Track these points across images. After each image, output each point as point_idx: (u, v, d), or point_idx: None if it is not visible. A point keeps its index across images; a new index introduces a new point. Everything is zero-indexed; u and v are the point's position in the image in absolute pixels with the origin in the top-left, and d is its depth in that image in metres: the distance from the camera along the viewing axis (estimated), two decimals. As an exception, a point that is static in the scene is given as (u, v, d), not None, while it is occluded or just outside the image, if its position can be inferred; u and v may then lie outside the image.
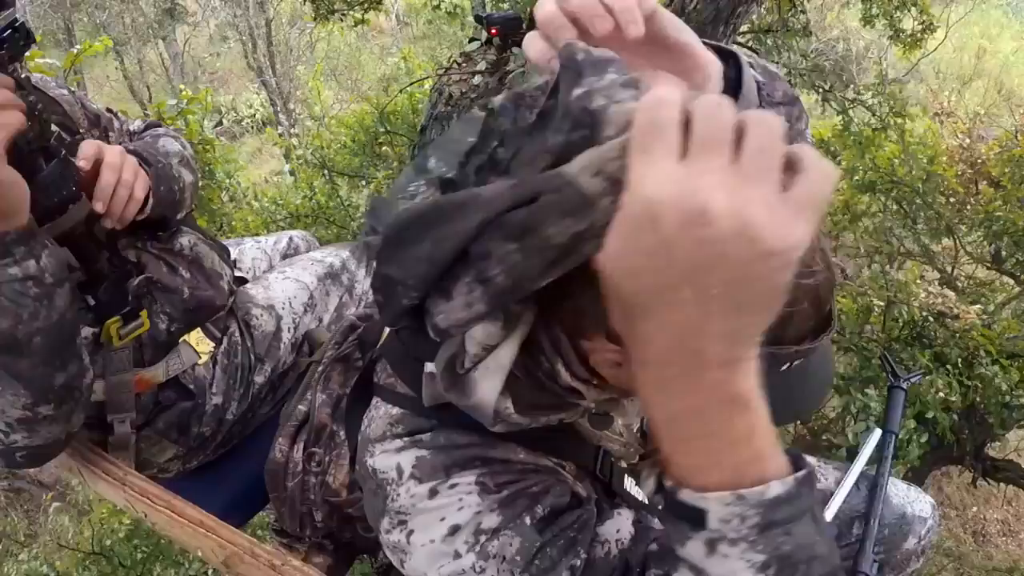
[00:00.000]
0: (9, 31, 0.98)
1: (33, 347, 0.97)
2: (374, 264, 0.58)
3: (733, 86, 0.66)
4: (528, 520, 0.68)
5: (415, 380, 0.76)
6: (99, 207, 1.09)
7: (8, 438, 1.06)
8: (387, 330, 0.89)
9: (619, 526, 0.72)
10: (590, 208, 0.46)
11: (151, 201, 1.18)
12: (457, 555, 0.68)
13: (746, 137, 0.41)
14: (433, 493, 0.69)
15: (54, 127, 1.09)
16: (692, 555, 0.51)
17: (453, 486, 0.69)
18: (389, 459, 0.72)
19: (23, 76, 1.09)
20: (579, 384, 0.67)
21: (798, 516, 0.49)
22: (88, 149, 1.09)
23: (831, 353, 0.75)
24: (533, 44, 0.59)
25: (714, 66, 0.64)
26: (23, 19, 1.01)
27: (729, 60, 0.66)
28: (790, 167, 0.41)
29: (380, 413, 0.78)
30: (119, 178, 1.10)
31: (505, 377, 0.63)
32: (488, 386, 0.63)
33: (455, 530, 0.68)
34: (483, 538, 0.67)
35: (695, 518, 0.49)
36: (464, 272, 0.52)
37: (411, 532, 0.70)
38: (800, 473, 0.49)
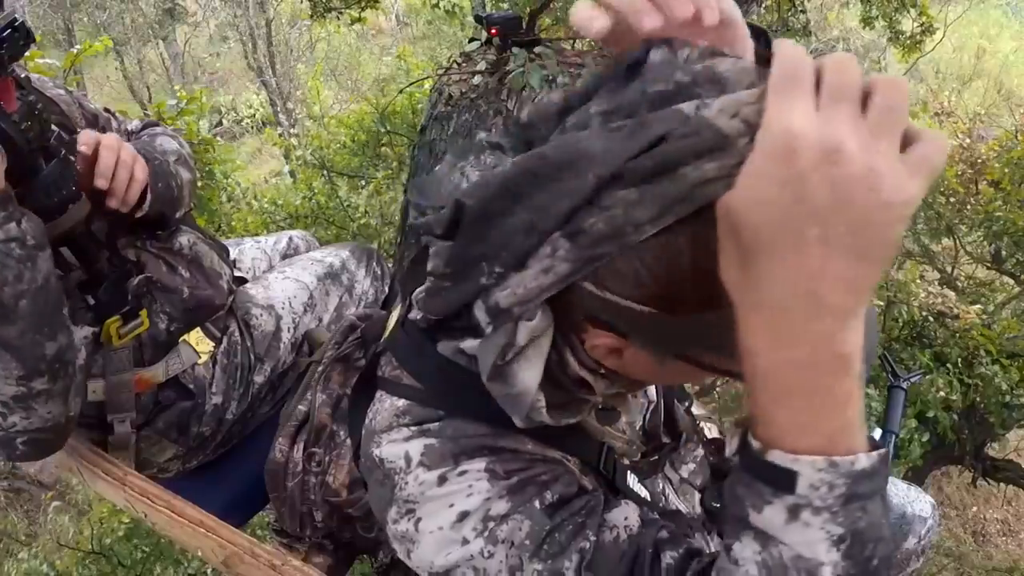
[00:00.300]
0: (8, 31, 0.98)
1: (20, 311, 0.97)
2: (447, 245, 0.58)
3: (764, 64, 0.67)
4: (537, 505, 0.67)
5: (421, 372, 0.76)
6: (101, 183, 1.09)
7: (6, 421, 1.05)
8: (391, 324, 0.89)
9: (627, 514, 0.72)
10: (729, 149, 0.47)
11: (149, 197, 1.18)
12: (465, 541, 0.67)
13: (874, 95, 0.42)
14: (442, 480, 0.68)
15: (54, 127, 1.09)
16: (769, 521, 0.49)
17: (462, 473, 0.68)
18: (397, 448, 0.71)
19: (23, 76, 1.09)
20: (587, 374, 0.67)
21: (876, 493, 0.48)
22: (86, 136, 1.10)
23: (875, 315, 0.74)
24: (585, 12, 0.57)
25: (749, 41, 0.64)
26: (22, 19, 1.01)
27: (760, 38, 0.66)
28: (909, 136, 0.43)
29: (386, 405, 0.77)
30: (118, 158, 1.10)
31: (543, 365, 0.63)
32: (531, 375, 0.63)
33: (464, 516, 0.67)
34: (492, 524, 0.67)
35: (784, 481, 0.48)
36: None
37: (419, 520, 0.70)
38: (882, 450, 0.49)
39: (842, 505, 0.47)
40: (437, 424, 0.71)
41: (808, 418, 0.46)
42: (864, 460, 0.47)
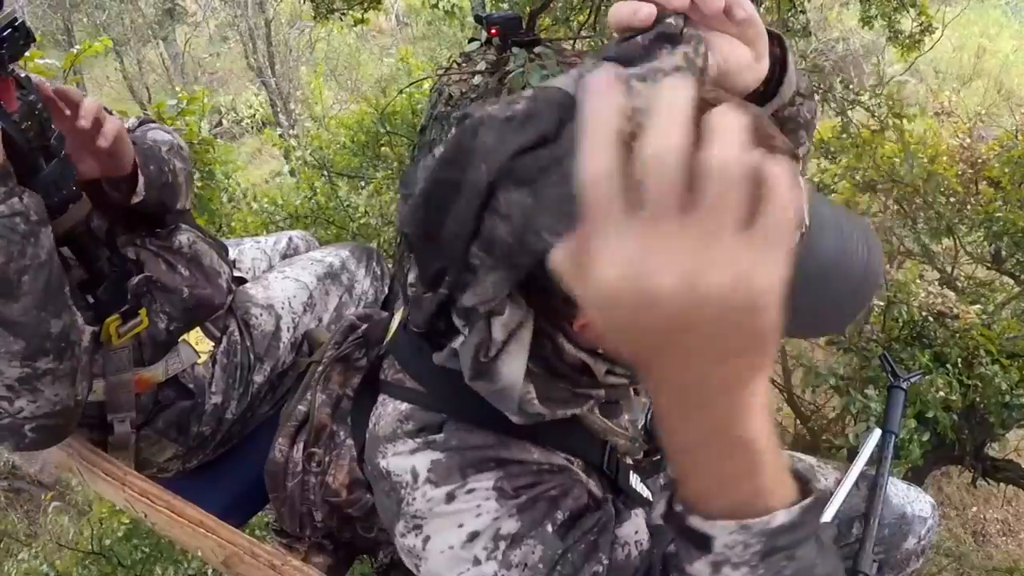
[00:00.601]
0: (8, 31, 0.98)
1: (23, 287, 0.97)
2: (414, 260, 0.59)
3: (780, 64, 0.71)
4: (549, 527, 0.67)
5: (423, 375, 0.77)
6: (83, 123, 1.08)
7: (13, 406, 1.05)
8: (393, 326, 0.89)
9: (637, 527, 0.72)
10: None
11: (141, 179, 1.18)
12: (477, 561, 0.67)
13: (703, 184, 0.37)
14: (450, 498, 0.69)
15: (54, 127, 1.08)
16: (699, 572, 0.52)
17: (471, 491, 0.68)
18: (403, 461, 0.72)
19: (23, 76, 1.08)
20: (585, 355, 0.67)
21: (803, 540, 0.50)
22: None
23: (864, 236, 0.65)
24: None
25: (766, 40, 0.65)
26: (23, 18, 1.01)
27: (774, 40, 0.68)
28: (754, 196, 0.37)
29: (388, 410, 0.78)
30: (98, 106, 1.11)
31: (527, 357, 0.64)
32: (514, 368, 0.64)
33: (473, 536, 0.68)
34: (503, 544, 0.67)
35: (702, 542, 0.50)
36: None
37: (427, 538, 0.70)
38: (806, 501, 0.50)
39: (761, 559, 0.49)
40: (442, 435, 0.71)
41: (717, 488, 0.48)
42: (781, 516, 0.48)
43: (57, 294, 1.02)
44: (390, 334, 0.90)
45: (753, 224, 0.38)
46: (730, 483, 0.47)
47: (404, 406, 0.76)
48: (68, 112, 1.09)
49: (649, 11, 0.56)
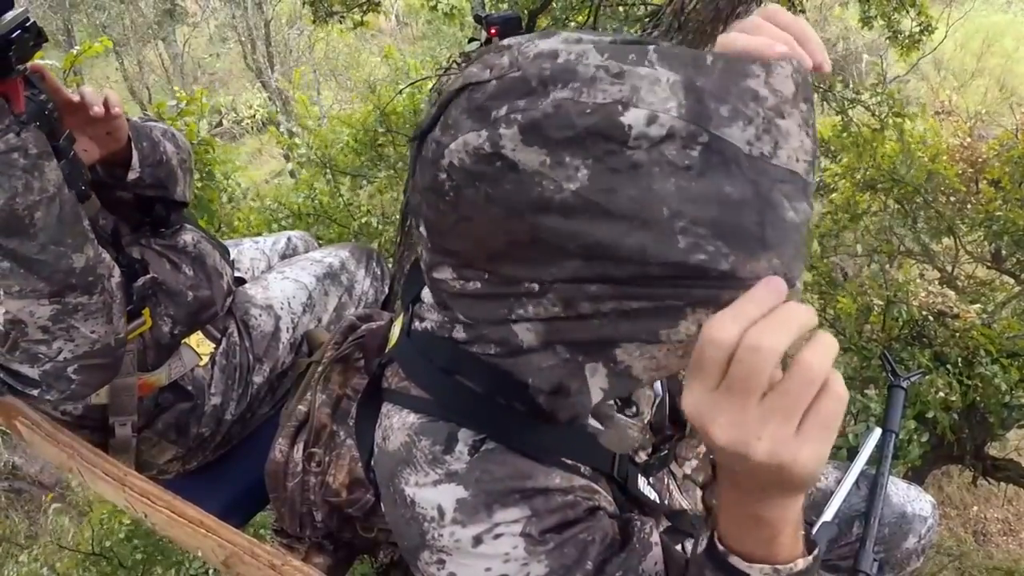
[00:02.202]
0: (18, 31, 0.97)
1: (36, 223, 0.96)
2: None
3: None
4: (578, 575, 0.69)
5: (429, 382, 0.76)
6: (98, 111, 1.11)
7: (51, 348, 1.04)
8: (395, 334, 0.88)
9: (656, 559, 0.73)
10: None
11: (136, 155, 1.19)
12: None
13: (788, 379, 0.52)
14: (478, 541, 0.69)
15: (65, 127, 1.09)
16: None
17: (498, 536, 0.69)
18: (427, 494, 0.71)
19: (34, 75, 1.08)
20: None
21: None
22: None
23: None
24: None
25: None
26: (33, 19, 1.00)
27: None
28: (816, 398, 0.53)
29: (395, 423, 0.77)
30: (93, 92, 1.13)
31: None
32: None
33: None
34: None
35: None
36: None
37: (452, 574, 0.71)
38: (815, 552, 0.66)
39: None
40: (464, 466, 0.71)
41: (754, 543, 0.64)
42: (801, 563, 0.64)
43: (73, 227, 1.01)
44: (391, 342, 0.89)
45: (808, 418, 0.52)
46: (765, 542, 0.63)
47: (412, 418, 0.76)
48: (76, 99, 1.10)
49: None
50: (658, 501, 0.86)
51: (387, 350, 0.89)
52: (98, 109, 1.10)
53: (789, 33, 0.60)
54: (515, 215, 0.58)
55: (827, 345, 0.52)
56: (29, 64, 1.05)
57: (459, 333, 0.72)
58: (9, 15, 0.96)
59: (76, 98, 1.11)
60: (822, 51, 0.61)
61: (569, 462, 0.75)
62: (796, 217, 0.56)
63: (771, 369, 0.51)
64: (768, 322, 0.52)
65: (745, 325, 0.52)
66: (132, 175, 1.19)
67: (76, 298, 1.02)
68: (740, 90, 0.56)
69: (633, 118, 0.54)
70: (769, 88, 0.56)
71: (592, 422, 0.79)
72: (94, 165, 1.18)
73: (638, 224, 0.55)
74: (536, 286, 0.61)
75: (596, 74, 0.55)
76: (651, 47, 0.57)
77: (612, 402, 0.82)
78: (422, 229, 0.67)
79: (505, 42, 0.63)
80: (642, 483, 0.85)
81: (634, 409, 0.85)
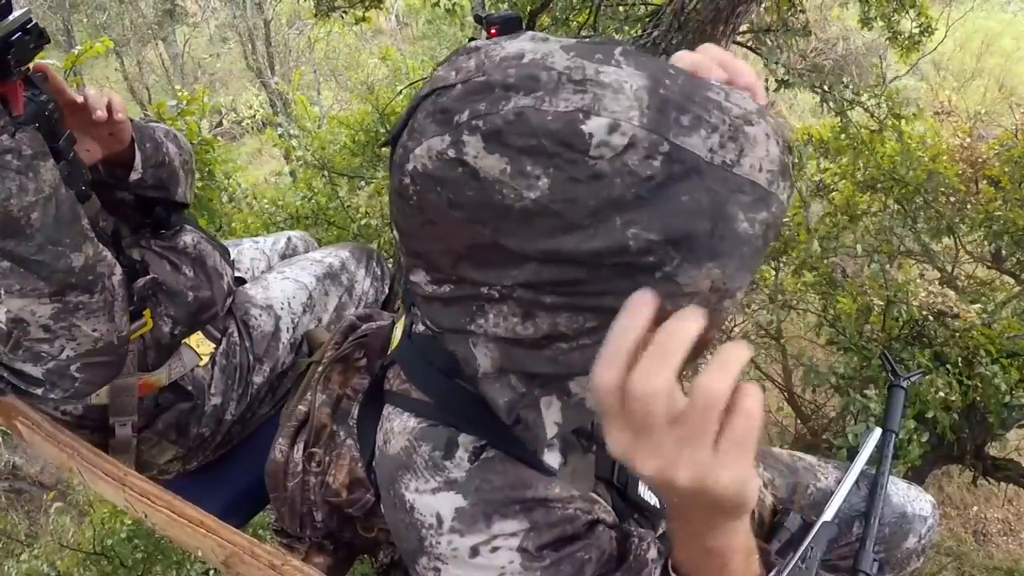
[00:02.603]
0: (19, 33, 0.97)
1: (32, 224, 0.96)
2: None
3: None
4: None
5: (430, 385, 0.76)
6: (79, 98, 1.10)
7: (54, 347, 1.04)
8: (396, 335, 0.88)
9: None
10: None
11: (139, 155, 1.19)
12: None
13: (690, 409, 0.52)
14: (475, 552, 0.69)
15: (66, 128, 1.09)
16: None
17: (495, 549, 0.69)
18: (426, 501, 0.72)
19: (38, 75, 1.08)
20: None
21: None
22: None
23: None
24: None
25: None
26: (35, 21, 0.99)
27: None
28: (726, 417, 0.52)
29: (396, 426, 0.77)
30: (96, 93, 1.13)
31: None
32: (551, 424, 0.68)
33: None
34: None
35: None
36: None
37: None
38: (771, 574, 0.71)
39: None
40: (464, 475, 0.71)
41: (707, 573, 0.67)
42: None
43: (71, 226, 1.01)
44: (394, 343, 0.89)
45: (721, 440, 0.52)
46: (716, 571, 0.66)
47: (412, 422, 0.76)
48: (79, 100, 1.10)
49: None
50: (658, 506, 0.86)
51: (389, 352, 0.89)
52: (101, 113, 1.10)
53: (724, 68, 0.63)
54: (476, 221, 0.58)
55: (725, 362, 0.52)
56: (32, 64, 1.04)
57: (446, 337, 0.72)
58: (12, 16, 0.96)
59: (79, 99, 1.11)
60: (760, 88, 0.64)
61: None
62: (749, 229, 0.57)
63: (663, 406, 0.51)
64: (645, 359, 0.51)
65: (622, 365, 0.52)
66: (134, 176, 1.19)
67: (77, 297, 1.02)
68: (704, 99, 0.56)
69: (595, 126, 0.54)
70: (732, 101, 0.57)
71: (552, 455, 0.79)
72: (96, 165, 1.19)
73: (594, 231, 0.56)
74: (496, 292, 0.62)
75: (559, 81, 0.55)
76: (618, 48, 0.58)
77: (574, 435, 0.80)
78: (395, 232, 0.68)
79: (474, 43, 0.63)
80: (642, 488, 0.85)
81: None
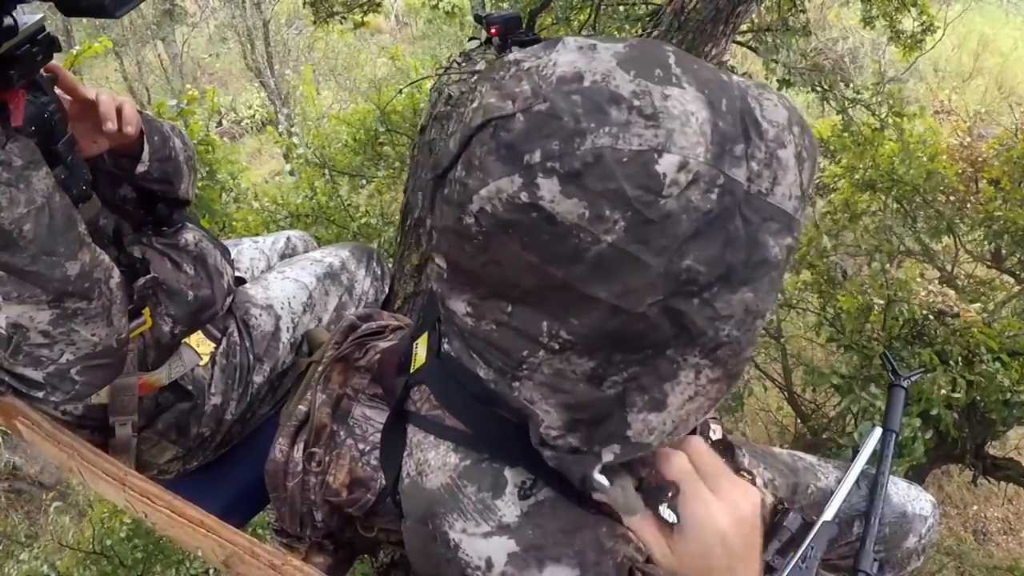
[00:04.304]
0: (26, 45, 0.94)
1: (25, 235, 0.95)
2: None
3: None
4: None
5: (466, 414, 0.75)
6: (111, 127, 1.10)
7: (53, 351, 1.04)
8: (419, 353, 0.86)
9: None
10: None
11: (147, 148, 1.18)
12: None
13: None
14: None
15: (68, 129, 1.08)
16: None
17: None
18: (476, 544, 0.71)
19: (45, 76, 1.07)
20: None
21: None
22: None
23: None
24: None
25: None
26: (47, 31, 0.96)
27: None
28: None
29: (433, 460, 0.76)
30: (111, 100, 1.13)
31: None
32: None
33: None
34: None
35: None
36: None
37: None
38: None
39: None
40: (516, 520, 0.71)
41: None
42: None
43: (66, 234, 1.00)
44: (416, 361, 0.87)
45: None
46: None
47: (453, 458, 0.75)
48: (91, 97, 1.10)
49: None
50: (676, 523, 0.87)
51: (412, 370, 0.86)
52: (111, 125, 1.09)
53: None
54: (550, 263, 0.57)
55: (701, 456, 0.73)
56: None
57: (480, 370, 0.71)
58: (26, 24, 0.93)
59: (92, 96, 1.10)
60: None
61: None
62: (779, 254, 0.59)
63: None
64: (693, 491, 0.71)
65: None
66: (140, 168, 1.19)
67: (75, 304, 1.02)
68: (751, 121, 0.57)
69: (667, 165, 0.54)
70: (767, 120, 0.58)
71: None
72: (102, 155, 1.18)
73: (662, 269, 0.56)
74: (556, 344, 0.62)
75: (630, 115, 0.54)
76: (670, 57, 0.58)
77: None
78: (440, 262, 0.66)
79: (516, 59, 0.61)
80: (663, 509, 0.86)
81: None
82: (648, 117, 0.54)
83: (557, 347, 0.62)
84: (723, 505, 0.69)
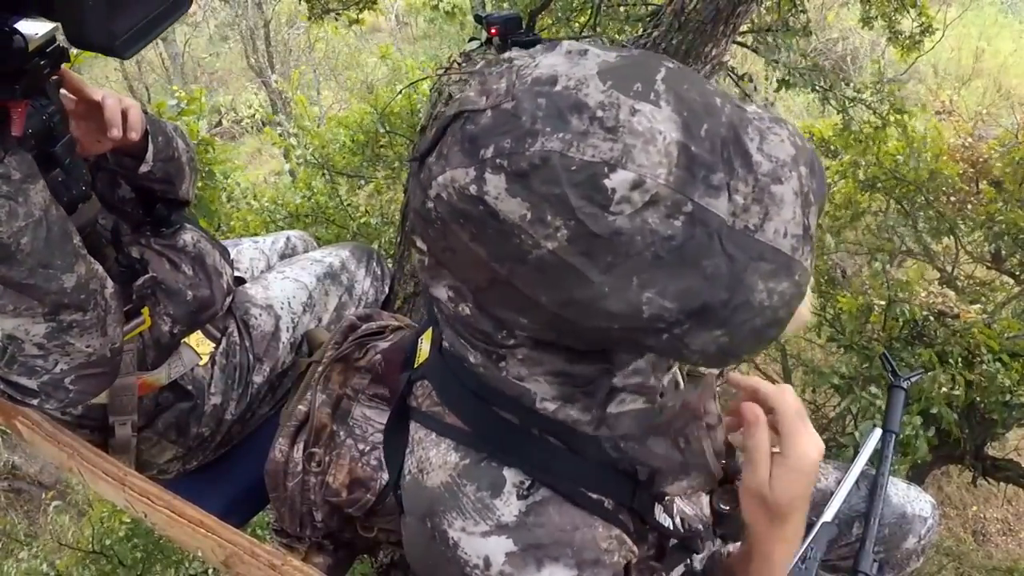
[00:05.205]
0: (35, 58, 0.92)
1: (23, 249, 0.95)
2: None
3: None
4: None
5: (465, 410, 0.75)
6: (115, 134, 1.09)
7: (48, 362, 1.04)
8: (424, 348, 0.87)
9: None
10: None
11: (151, 147, 1.18)
12: None
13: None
14: None
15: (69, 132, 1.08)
16: None
17: None
18: (474, 543, 0.71)
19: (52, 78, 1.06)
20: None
21: None
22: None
23: None
24: None
25: None
26: (58, 42, 0.95)
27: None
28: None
29: (434, 458, 0.76)
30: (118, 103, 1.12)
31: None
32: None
33: None
34: None
35: None
36: None
37: None
38: None
39: None
40: (515, 518, 0.71)
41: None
42: None
43: (61, 248, 1.00)
44: (420, 356, 0.87)
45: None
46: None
47: (454, 457, 0.75)
48: (97, 99, 1.09)
49: None
50: (671, 528, 0.87)
51: (416, 365, 0.87)
52: (116, 132, 1.09)
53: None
54: (495, 259, 0.58)
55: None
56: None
57: (470, 355, 0.72)
58: (37, 35, 0.92)
59: (98, 98, 1.10)
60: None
61: (606, 505, 0.75)
62: (767, 300, 0.56)
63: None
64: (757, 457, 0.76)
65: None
66: (144, 168, 1.19)
67: (71, 315, 1.02)
68: (738, 150, 0.55)
69: (618, 181, 0.53)
70: (764, 153, 0.55)
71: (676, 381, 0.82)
72: (105, 154, 1.18)
73: (609, 289, 0.55)
74: (523, 332, 0.63)
75: (589, 125, 0.53)
76: (660, 72, 0.56)
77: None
78: (421, 245, 0.67)
79: (508, 56, 0.62)
80: (658, 511, 0.86)
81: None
82: (608, 129, 0.53)
83: (524, 335, 0.64)
84: (816, 441, 0.75)
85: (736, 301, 0.55)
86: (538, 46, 0.61)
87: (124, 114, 1.12)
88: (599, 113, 0.54)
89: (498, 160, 0.55)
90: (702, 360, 0.60)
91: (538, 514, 0.71)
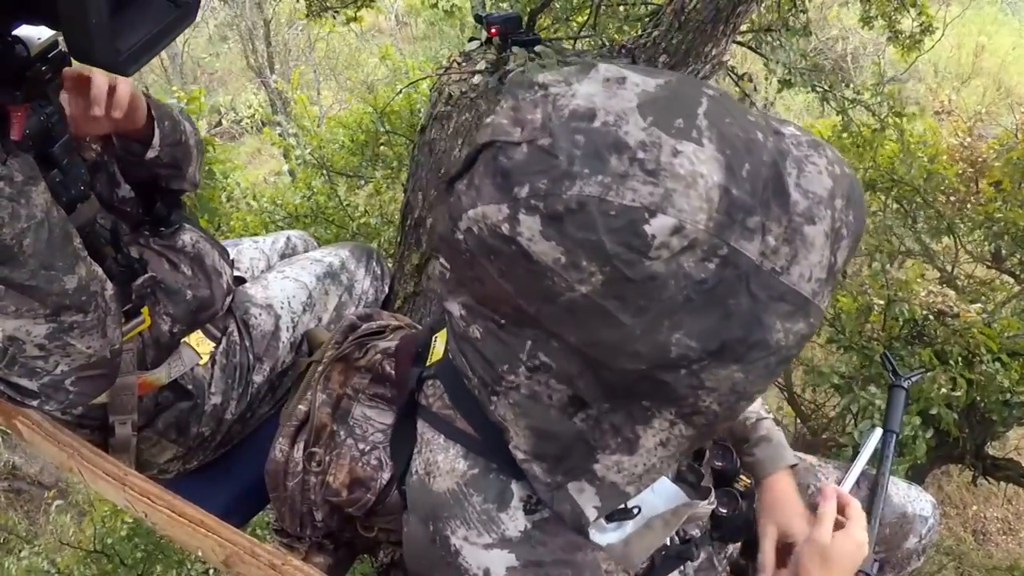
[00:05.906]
0: (36, 63, 0.92)
1: (25, 250, 0.95)
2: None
3: None
4: None
5: (475, 418, 0.75)
6: (97, 112, 1.07)
7: (48, 363, 1.04)
8: (437, 347, 0.86)
9: None
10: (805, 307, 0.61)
11: (157, 132, 1.18)
12: None
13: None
14: None
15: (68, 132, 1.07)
16: None
17: None
18: (477, 554, 0.72)
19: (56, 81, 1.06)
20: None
21: None
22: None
23: None
24: None
25: None
26: (60, 47, 0.95)
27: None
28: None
29: (443, 462, 0.76)
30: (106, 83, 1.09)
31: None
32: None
33: None
34: None
35: None
36: None
37: None
38: None
39: None
40: (519, 534, 0.71)
41: None
42: None
43: (63, 249, 1.00)
44: (434, 355, 0.87)
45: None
46: None
47: (462, 465, 0.75)
48: (86, 75, 1.08)
49: None
50: (667, 543, 0.87)
51: (428, 363, 0.87)
52: (98, 111, 1.08)
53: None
54: (523, 296, 0.58)
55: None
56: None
57: (466, 377, 0.72)
58: (39, 40, 0.92)
59: (86, 73, 1.08)
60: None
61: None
62: (783, 340, 0.56)
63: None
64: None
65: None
66: (151, 153, 1.19)
67: (71, 317, 1.02)
68: (776, 190, 0.54)
69: (658, 227, 0.52)
70: (802, 190, 0.54)
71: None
72: (111, 140, 1.18)
73: (640, 332, 0.55)
74: (535, 362, 0.62)
75: (629, 167, 0.52)
76: (702, 106, 0.54)
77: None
78: (443, 261, 0.67)
79: (543, 82, 0.59)
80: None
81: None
82: (649, 172, 0.52)
83: (536, 365, 0.62)
84: (865, 545, 0.90)
85: (754, 339, 0.55)
86: (572, 67, 0.59)
87: (111, 91, 1.10)
88: (640, 154, 0.52)
89: (533, 201, 0.54)
90: (715, 402, 0.58)
91: (543, 531, 0.71)
